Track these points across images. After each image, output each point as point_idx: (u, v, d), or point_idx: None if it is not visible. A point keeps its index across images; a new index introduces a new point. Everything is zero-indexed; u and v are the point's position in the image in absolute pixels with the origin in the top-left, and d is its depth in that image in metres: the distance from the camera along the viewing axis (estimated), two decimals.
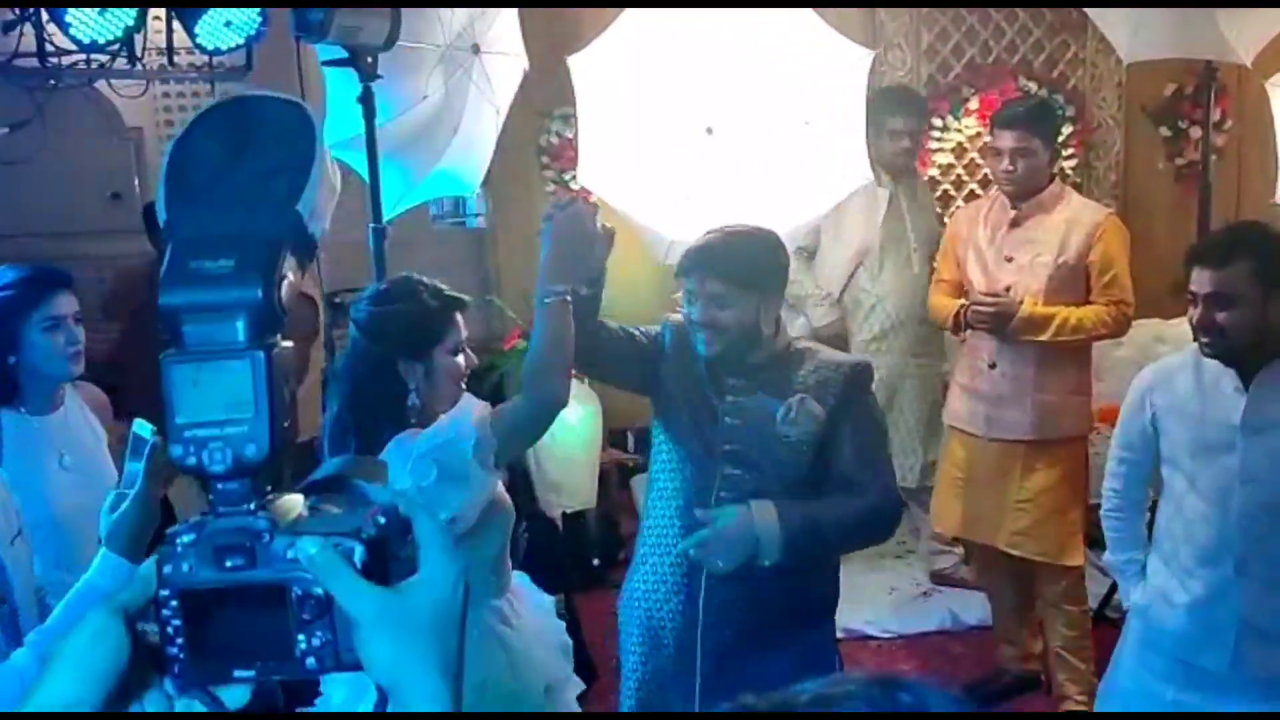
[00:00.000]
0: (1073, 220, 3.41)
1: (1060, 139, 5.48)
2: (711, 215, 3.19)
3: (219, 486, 0.76)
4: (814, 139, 3.15)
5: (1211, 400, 2.47)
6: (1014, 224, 3.46)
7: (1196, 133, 5.09)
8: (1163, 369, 2.62)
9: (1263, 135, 3.40)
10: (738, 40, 3.12)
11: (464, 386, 2.22)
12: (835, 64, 3.17)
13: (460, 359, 2.18)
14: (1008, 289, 3.42)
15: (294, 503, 0.78)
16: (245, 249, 0.77)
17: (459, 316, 2.19)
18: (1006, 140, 3.39)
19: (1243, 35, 3.27)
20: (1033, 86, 5.50)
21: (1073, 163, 5.56)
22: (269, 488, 0.77)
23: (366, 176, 3.02)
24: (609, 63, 3.27)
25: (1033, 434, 3.46)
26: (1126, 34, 3.55)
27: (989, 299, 3.41)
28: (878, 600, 4.39)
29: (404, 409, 2.13)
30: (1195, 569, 2.52)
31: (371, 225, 3.06)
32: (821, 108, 3.15)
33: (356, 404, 2.14)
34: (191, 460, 0.76)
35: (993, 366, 3.48)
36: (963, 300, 3.52)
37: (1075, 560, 3.51)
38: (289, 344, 0.79)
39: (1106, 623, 3.77)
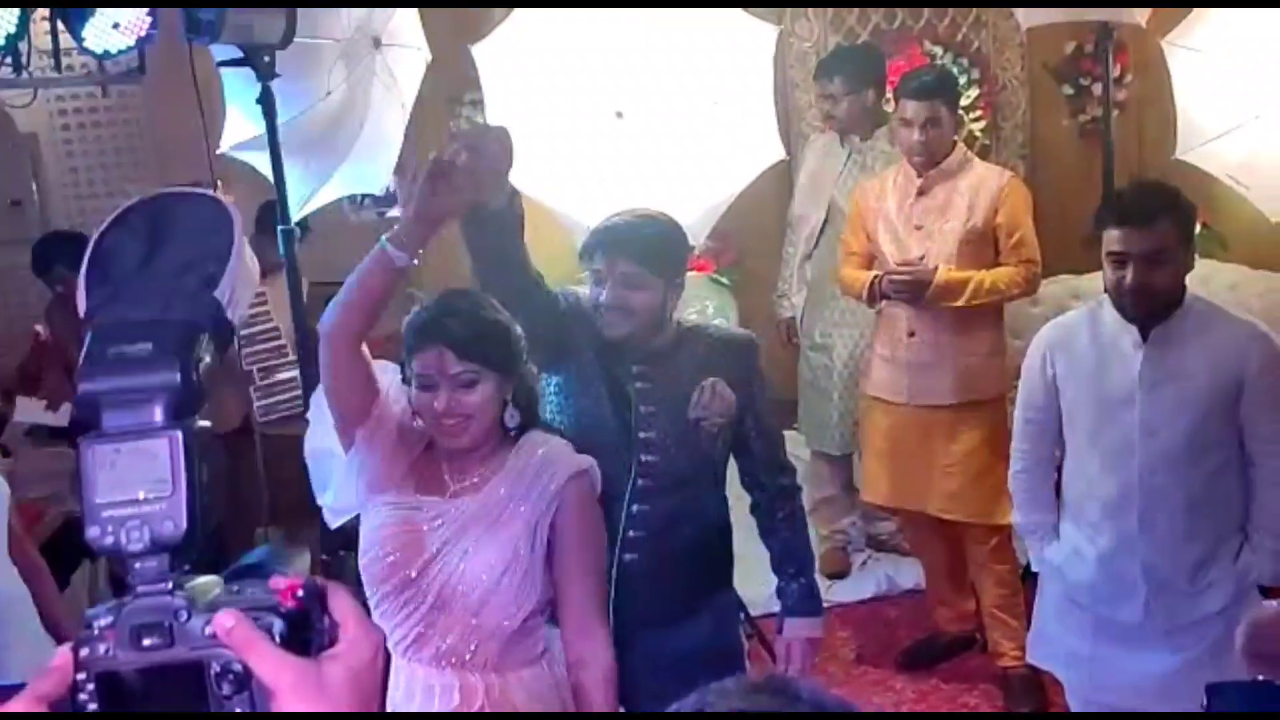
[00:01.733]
0: (977, 185, 3.46)
1: (967, 102, 5.56)
2: (626, 199, 3.18)
3: (137, 566, 0.77)
4: (723, 118, 3.15)
5: (1110, 356, 2.52)
6: (921, 192, 3.49)
7: (1098, 89, 5.17)
8: (1060, 328, 2.65)
9: (1162, 90, 3.47)
10: (643, 22, 3.11)
11: None
12: (741, 42, 3.18)
13: (424, 396, 2.04)
14: (921, 258, 3.46)
15: (212, 583, 0.79)
16: (162, 333, 0.79)
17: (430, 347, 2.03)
18: (915, 111, 3.42)
19: None
20: (938, 51, 5.56)
21: (980, 124, 5.63)
22: (187, 567, 0.78)
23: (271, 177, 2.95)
24: (514, 49, 3.23)
25: (955, 398, 3.51)
26: None
27: (905, 268, 3.45)
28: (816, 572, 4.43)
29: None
30: (1101, 523, 2.58)
31: (280, 227, 2.99)
32: (729, 87, 3.15)
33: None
34: (109, 540, 0.76)
35: (912, 335, 3.52)
36: (875, 271, 3.56)
37: (1004, 519, 3.56)
38: (206, 424, 0.80)
39: (1036, 578, 3.85)
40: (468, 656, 1.97)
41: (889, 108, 4.39)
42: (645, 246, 2.28)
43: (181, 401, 0.78)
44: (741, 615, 2.64)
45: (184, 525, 0.76)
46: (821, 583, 4.28)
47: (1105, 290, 2.52)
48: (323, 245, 4.65)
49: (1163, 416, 2.46)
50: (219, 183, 3.61)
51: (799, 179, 4.34)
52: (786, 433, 4.63)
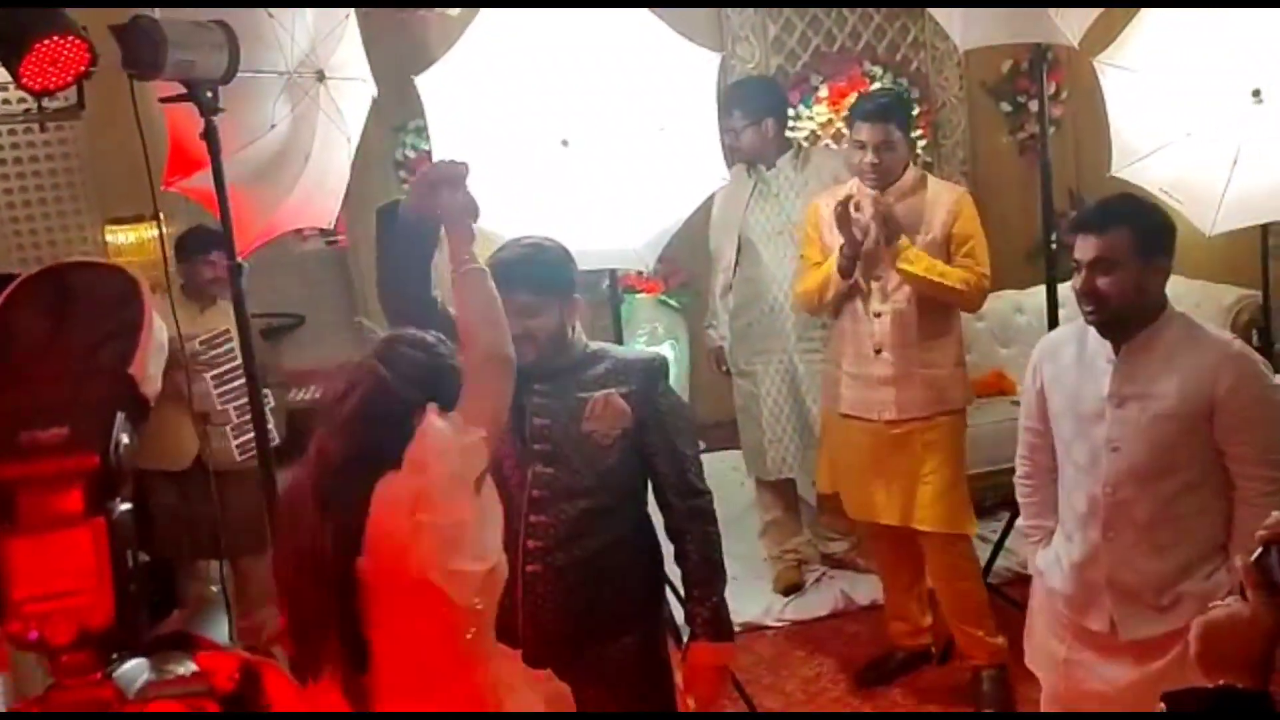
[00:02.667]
0: (933, 200, 3.51)
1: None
2: (572, 226, 3.19)
3: (63, 659, 0.74)
4: (669, 144, 3.17)
5: (1088, 371, 2.56)
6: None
7: (1036, 106, 5.27)
8: (1051, 341, 2.73)
9: (1096, 107, 3.55)
10: (586, 52, 3.13)
11: None
12: (684, 69, 3.20)
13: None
14: (878, 277, 3.50)
15: (139, 668, 0.76)
16: (78, 416, 0.75)
17: None
18: (869, 133, 3.45)
19: (1069, 17, 3.39)
20: (877, 71, 5.65)
21: (922, 143, 5.72)
22: (114, 655, 0.75)
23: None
24: (458, 80, 3.24)
25: (926, 410, 3.54)
26: (960, 22, 3.65)
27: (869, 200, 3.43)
28: (770, 591, 4.46)
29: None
30: (1073, 533, 2.62)
31: (227, 263, 2.96)
32: (674, 113, 3.18)
33: (369, 437, 1.93)
34: (33, 634, 0.73)
35: (879, 351, 3.53)
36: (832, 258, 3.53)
37: (971, 528, 3.64)
38: (127, 506, 0.76)
39: (989, 589, 3.90)
40: None
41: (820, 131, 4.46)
42: (538, 275, 2.36)
43: (102, 486, 0.75)
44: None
45: (112, 614, 0.73)
46: (777, 600, 4.37)
47: None
48: (270, 276, 4.63)
49: (1128, 432, 2.48)
50: (162, 216, 3.58)
51: (713, 212, 4.34)
52: (733, 453, 4.69)
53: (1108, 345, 2.53)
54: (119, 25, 2.73)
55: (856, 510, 3.77)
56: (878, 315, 3.54)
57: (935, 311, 3.53)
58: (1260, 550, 1.38)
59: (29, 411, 0.76)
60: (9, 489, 0.74)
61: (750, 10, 5.56)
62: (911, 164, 3.63)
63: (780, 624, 4.30)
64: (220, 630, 3.90)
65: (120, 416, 0.78)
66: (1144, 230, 2.47)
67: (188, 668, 0.75)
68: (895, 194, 3.51)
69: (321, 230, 5.20)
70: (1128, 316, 2.49)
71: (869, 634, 4.12)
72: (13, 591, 0.73)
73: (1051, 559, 2.69)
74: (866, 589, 4.35)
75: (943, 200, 3.52)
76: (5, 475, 0.75)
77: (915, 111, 5.64)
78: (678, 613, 2.73)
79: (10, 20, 2.96)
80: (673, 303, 5.51)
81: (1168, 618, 2.50)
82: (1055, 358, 2.66)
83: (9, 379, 0.78)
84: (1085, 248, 2.48)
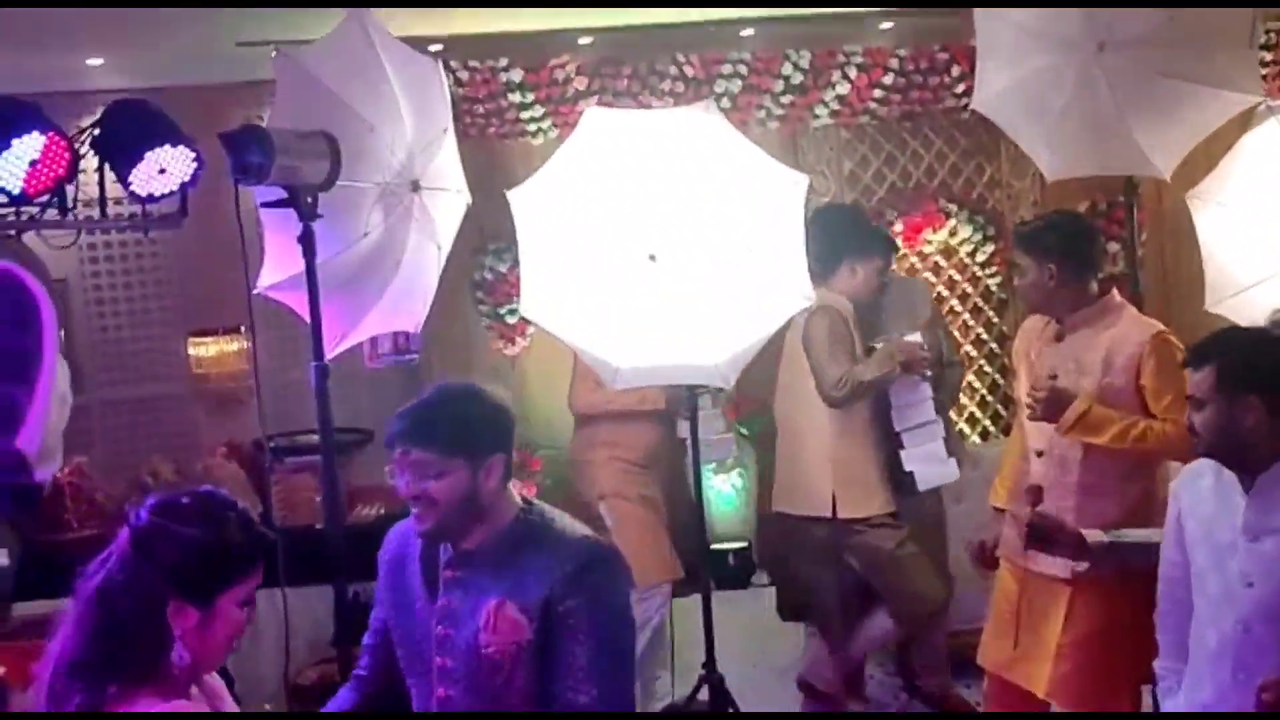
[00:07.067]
0: (1118, 338, 3.25)
1: (984, 258, 5.66)
2: (657, 340, 3.20)
3: None
4: (756, 264, 3.19)
5: (1223, 503, 2.50)
6: (1059, 338, 3.35)
7: (1113, 247, 5.26)
8: (1191, 470, 2.66)
9: (1188, 244, 3.53)
10: (677, 170, 3.18)
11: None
12: (772, 190, 3.24)
13: (245, 612, 1.76)
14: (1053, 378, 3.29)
15: None
16: None
17: (261, 561, 1.79)
18: (1017, 258, 3.42)
19: (1158, 149, 3.40)
20: (953, 208, 5.68)
21: (996, 280, 5.70)
22: None
23: (307, 315, 2.97)
24: (549, 195, 3.30)
25: (1070, 572, 3.16)
26: (1045, 151, 3.66)
27: (1043, 384, 3.23)
28: None
29: (162, 662, 1.68)
30: (1203, 675, 2.52)
31: (313, 364, 2.99)
32: (761, 233, 3.20)
33: (106, 637, 1.66)
34: None
35: (1036, 504, 3.18)
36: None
37: (1124, 708, 3.30)
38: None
39: None
40: None
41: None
42: (439, 429, 2.05)
43: None
44: None
45: None
46: None
47: None
48: (340, 388, 4.66)
49: (1262, 567, 2.41)
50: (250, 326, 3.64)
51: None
52: None
53: (1242, 478, 2.47)
54: (228, 132, 2.83)
55: (984, 657, 3.49)
56: (1039, 454, 3.32)
57: (1110, 456, 3.18)
58: None
59: None
60: None
61: (826, 145, 5.64)
62: (1113, 294, 3.39)
63: None
64: None
65: None
66: (1229, 366, 2.44)
67: None
68: (1078, 322, 3.30)
69: (395, 348, 5.25)
70: (1231, 452, 2.45)
71: None
72: None
73: (1183, 704, 2.57)
74: None
75: (1129, 340, 3.22)
76: None
77: (991, 249, 5.64)
78: None
79: (128, 128, 3.09)
80: (743, 430, 5.45)
81: None
82: (1194, 488, 2.59)
83: None
84: (1188, 383, 2.50)
